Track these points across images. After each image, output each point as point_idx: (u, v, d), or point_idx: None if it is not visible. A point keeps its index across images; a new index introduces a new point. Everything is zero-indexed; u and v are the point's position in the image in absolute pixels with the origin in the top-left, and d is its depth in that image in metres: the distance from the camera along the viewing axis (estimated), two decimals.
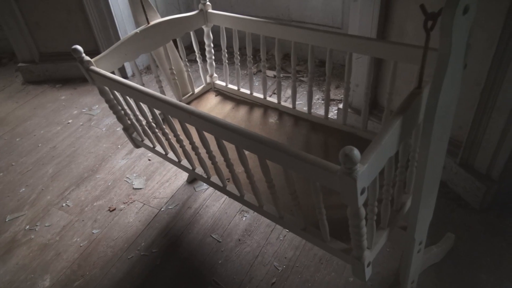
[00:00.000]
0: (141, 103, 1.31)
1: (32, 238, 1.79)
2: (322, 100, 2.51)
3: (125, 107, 1.43)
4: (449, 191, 1.75)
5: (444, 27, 0.71)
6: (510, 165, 1.55)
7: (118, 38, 2.83)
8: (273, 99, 1.62)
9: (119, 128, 2.45)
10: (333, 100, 2.52)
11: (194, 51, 1.70)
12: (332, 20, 2.70)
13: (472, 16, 0.74)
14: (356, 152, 0.70)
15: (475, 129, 1.56)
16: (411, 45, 1.08)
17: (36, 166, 2.24)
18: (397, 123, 0.82)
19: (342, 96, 2.43)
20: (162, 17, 1.56)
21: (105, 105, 2.70)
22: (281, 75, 1.71)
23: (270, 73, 2.82)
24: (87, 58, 1.37)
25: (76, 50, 1.37)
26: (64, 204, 1.96)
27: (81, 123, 2.58)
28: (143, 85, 1.47)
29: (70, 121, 2.62)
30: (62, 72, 3.08)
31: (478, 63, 1.46)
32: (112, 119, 2.56)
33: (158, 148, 1.48)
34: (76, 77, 3.07)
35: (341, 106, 2.21)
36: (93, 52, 2.94)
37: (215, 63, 1.78)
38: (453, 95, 0.86)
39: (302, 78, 2.74)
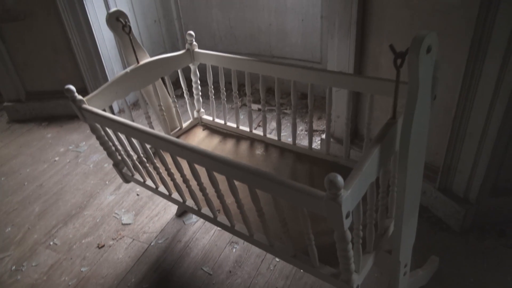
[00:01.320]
0: (132, 139, 1.36)
1: (19, 279, 1.76)
2: (306, 131, 2.60)
3: (116, 143, 1.47)
4: (431, 216, 1.82)
5: (411, 65, 0.80)
6: (485, 188, 1.64)
7: (105, 76, 2.90)
8: (259, 132, 1.69)
9: (107, 164, 2.47)
10: (316, 130, 2.61)
11: (181, 80, 1.76)
12: (311, 55, 2.85)
13: (435, 54, 0.83)
14: (339, 178, 0.76)
15: (450, 155, 1.65)
16: (385, 79, 1.17)
17: (22, 205, 2.22)
18: (375, 151, 0.89)
19: (325, 127, 2.53)
20: (149, 54, 1.64)
21: (92, 142, 2.73)
22: (266, 108, 1.79)
23: (255, 106, 2.92)
24: (79, 97, 1.42)
25: (69, 90, 1.42)
26: (51, 243, 1.94)
27: (68, 160, 2.59)
28: (133, 120, 1.52)
29: (56, 158, 2.63)
30: (48, 110, 3.10)
31: (448, 92, 1.57)
32: (99, 155, 2.58)
33: (149, 182, 1.51)
34: (62, 114, 3.10)
35: (324, 136, 2.30)
36: (81, 90, 3.00)
37: (202, 98, 1.86)
38: (424, 123, 0.94)
39: (285, 111, 2.84)
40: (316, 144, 2.44)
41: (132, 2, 3.03)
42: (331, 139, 2.14)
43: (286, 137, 2.52)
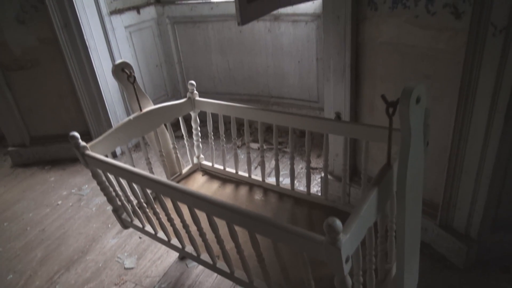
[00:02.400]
0: (133, 184, 1.39)
1: None
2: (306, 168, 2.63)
3: (117, 188, 1.50)
4: (433, 253, 1.81)
5: (402, 115, 0.85)
6: (485, 224, 1.65)
7: (108, 120, 2.97)
8: (258, 177, 1.72)
9: (109, 207, 2.48)
10: (316, 168, 2.64)
11: (182, 127, 1.81)
12: (309, 95, 2.93)
13: (425, 104, 0.88)
14: (338, 222, 0.78)
15: (448, 192, 1.68)
16: (379, 127, 1.22)
17: (24, 251, 2.22)
18: (372, 195, 0.92)
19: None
20: (150, 97, 1.70)
21: (95, 185, 2.75)
22: (265, 147, 1.84)
23: (254, 145, 2.97)
24: (83, 143, 1.46)
25: (73, 136, 1.46)
26: None
27: (70, 204, 2.61)
28: (133, 164, 1.57)
29: (59, 202, 2.65)
30: (51, 154, 3.15)
31: (442, 131, 1.62)
32: (102, 198, 2.60)
33: (148, 228, 1.53)
34: (65, 158, 3.14)
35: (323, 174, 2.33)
36: (83, 133, 3.08)
37: (202, 139, 1.91)
38: (419, 169, 0.97)
39: (285, 149, 2.89)
40: (316, 182, 2.47)
41: (135, 49, 3.16)
42: (331, 177, 2.17)
43: (286, 176, 2.55)
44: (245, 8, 1.85)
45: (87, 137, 3.09)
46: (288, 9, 2.65)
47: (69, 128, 3.11)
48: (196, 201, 1.10)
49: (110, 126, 3.01)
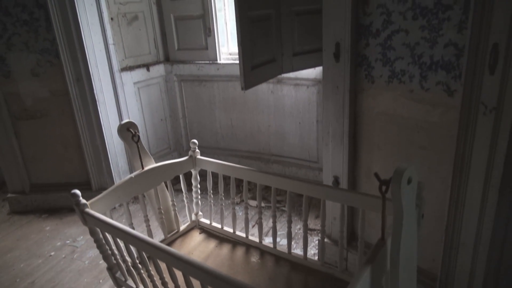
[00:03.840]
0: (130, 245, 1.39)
1: None
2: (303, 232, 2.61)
3: (113, 247, 1.50)
4: None
5: (394, 195, 0.87)
6: None
7: (110, 172, 3.00)
8: (255, 238, 1.72)
9: (102, 261, 2.44)
10: (313, 230, 2.62)
11: (182, 185, 1.84)
12: (308, 155, 2.98)
13: (416, 185, 0.91)
14: None
15: (446, 263, 1.66)
16: (376, 197, 1.25)
17: None
18: (367, 272, 0.92)
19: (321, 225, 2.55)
20: (153, 149, 1.74)
21: (90, 237, 2.71)
22: (263, 205, 1.84)
23: (253, 202, 2.97)
24: (83, 201, 1.48)
25: (74, 194, 1.48)
26: None
27: (63, 256, 2.56)
28: (131, 221, 1.57)
29: (52, 253, 2.60)
30: (50, 202, 3.15)
31: (438, 202, 1.64)
32: (95, 251, 2.56)
33: None
34: (63, 206, 3.13)
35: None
36: (84, 183, 3.10)
37: (201, 195, 1.95)
38: (412, 245, 0.98)
39: (283, 208, 2.88)
40: (314, 244, 2.44)
41: (142, 103, 3.27)
42: (328, 240, 2.15)
43: (283, 236, 2.52)
44: (249, 75, 1.96)
45: (87, 187, 3.11)
46: (291, 74, 2.77)
47: (71, 177, 3.14)
48: (190, 268, 1.10)
49: (111, 177, 3.04)
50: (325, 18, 1.78)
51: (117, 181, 3.10)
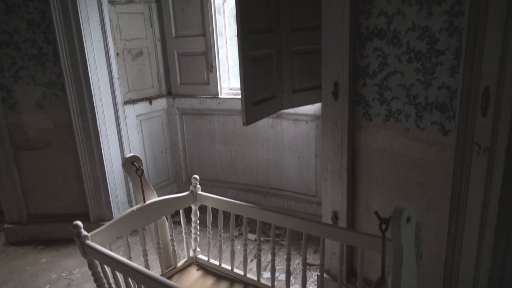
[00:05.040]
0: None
1: None
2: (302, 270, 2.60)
3: (111, 281, 1.50)
4: None
5: (394, 234, 0.90)
6: None
7: (108, 204, 3.01)
8: (253, 276, 1.71)
9: None
10: (312, 265, 2.61)
11: (182, 220, 1.85)
12: (307, 189, 3.01)
13: (414, 224, 0.94)
14: None
15: None
16: (375, 236, 1.27)
17: None
18: None
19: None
20: (152, 181, 1.77)
21: (86, 269, 2.69)
22: (262, 239, 1.85)
23: (252, 236, 2.96)
24: (84, 233, 1.49)
25: (76, 225, 1.49)
26: None
27: None
28: (129, 254, 1.57)
29: (47, 286, 2.56)
30: (47, 233, 3.13)
31: (436, 239, 1.66)
32: (91, 284, 2.52)
33: None
34: (60, 237, 3.11)
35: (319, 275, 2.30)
36: (82, 215, 3.10)
37: (200, 229, 1.96)
38: (412, 281, 1.00)
39: (282, 242, 2.87)
40: (313, 279, 2.42)
41: (143, 135, 3.32)
42: (328, 276, 2.15)
43: (282, 271, 2.51)
44: (251, 111, 2.02)
45: (85, 219, 3.10)
46: (290, 109, 2.85)
47: (69, 208, 3.13)
48: None
49: (110, 209, 3.04)
50: (324, 59, 1.87)
51: (116, 213, 3.10)
